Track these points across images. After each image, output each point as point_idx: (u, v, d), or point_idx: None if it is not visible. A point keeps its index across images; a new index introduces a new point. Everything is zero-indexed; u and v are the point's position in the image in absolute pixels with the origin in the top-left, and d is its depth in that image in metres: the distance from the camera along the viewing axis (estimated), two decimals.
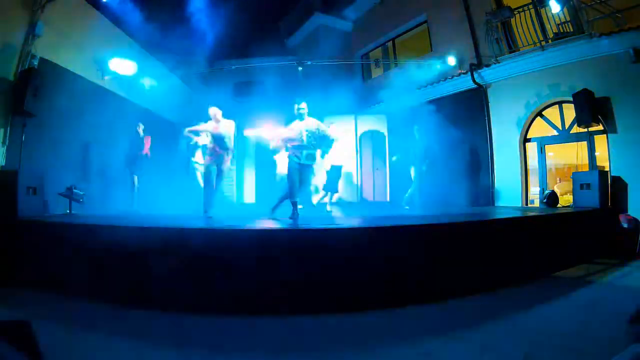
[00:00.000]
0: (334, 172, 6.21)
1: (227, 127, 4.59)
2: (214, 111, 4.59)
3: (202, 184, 6.14)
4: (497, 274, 3.24)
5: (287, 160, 4.16)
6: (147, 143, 6.61)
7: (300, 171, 4.09)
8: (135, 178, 6.45)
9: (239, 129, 9.53)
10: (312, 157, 4.14)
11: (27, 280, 3.24)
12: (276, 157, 7.24)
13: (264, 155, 8.51)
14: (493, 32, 6.77)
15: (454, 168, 7.27)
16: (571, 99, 5.60)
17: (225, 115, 4.69)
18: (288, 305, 2.61)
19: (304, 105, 4.15)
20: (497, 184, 6.96)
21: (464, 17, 7.44)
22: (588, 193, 5.10)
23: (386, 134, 9.02)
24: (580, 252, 4.25)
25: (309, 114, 4.18)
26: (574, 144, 6.17)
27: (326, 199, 6.31)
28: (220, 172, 4.54)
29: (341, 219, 4.45)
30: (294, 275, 2.67)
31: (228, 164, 4.58)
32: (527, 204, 6.63)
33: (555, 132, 6.43)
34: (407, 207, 6.15)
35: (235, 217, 4.71)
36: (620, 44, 5.22)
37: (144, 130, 6.59)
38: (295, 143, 4.06)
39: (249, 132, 9.47)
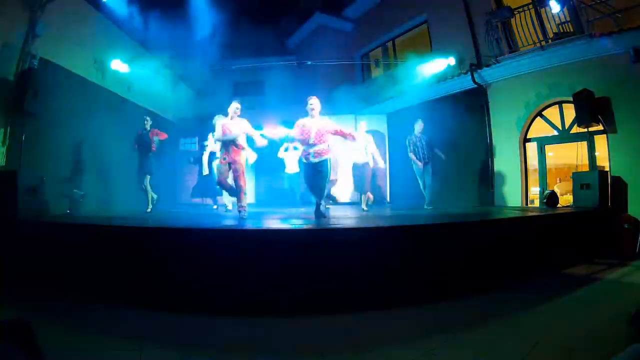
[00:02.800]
0: (358, 171, 5.92)
1: (241, 125, 4.44)
2: (236, 106, 4.41)
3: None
4: (497, 274, 3.24)
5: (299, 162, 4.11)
6: (156, 135, 6.18)
7: (314, 170, 4.05)
8: (147, 178, 6.07)
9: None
10: (321, 154, 4.07)
11: (27, 280, 3.24)
12: (283, 156, 7.25)
13: (264, 155, 8.54)
14: (493, 32, 6.76)
15: (454, 168, 7.27)
16: (571, 99, 5.59)
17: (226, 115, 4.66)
18: (289, 305, 2.62)
19: (314, 100, 4.09)
20: (497, 183, 6.95)
21: (464, 17, 7.43)
22: (588, 193, 5.10)
23: (386, 134, 9.03)
24: (580, 252, 4.25)
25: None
26: (574, 144, 6.16)
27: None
28: (235, 170, 4.35)
29: (344, 220, 4.46)
30: (296, 275, 2.67)
31: (241, 160, 4.37)
32: (527, 204, 6.63)
33: (555, 132, 6.42)
34: (431, 208, 5.96)
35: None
36: (620, 44, 5.21)
37: (150, 125, 6.19)
38: (304, 142, 4.02)
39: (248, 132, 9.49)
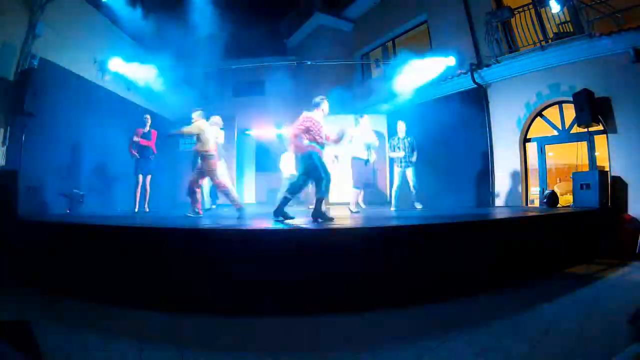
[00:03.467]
0: (357, 165, 5.81)
1: (213, 132, 4.68)
2: (194, 115, 4.69)
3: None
4: (497, 274, 3.24)
5: (311, 155, 3.80)
6: (153, 138, 6.13)
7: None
8: (148, 178, 6.04)
9: (240, 129, 9.56)
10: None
11: (27, 280, 3.24)
12: (284, 156, 7.24)
13: (264, 156, 8.55)
14: (493, 32, 6.76)
15: (454, 168, 7.26)
16: (571, 99, 5.59)
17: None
18: (288, 305, 2.62)
19: (326, 104, 3.98)
20: (497, 183, 6.95)
21: (464, 17, 7.43)
22: (588, 193, 5.10)
23: (386, 134, 9.02)
24: (579, 252, 4.25)
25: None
26: (574, 144, 6.16)
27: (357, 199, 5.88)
28: (204, 174, 4.60)
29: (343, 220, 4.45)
30: (294, 275, 2.67)
31: (214, 166, 4.54)
32: (527, 204, 6.63)
33: (555, 132, 6.42)
34: (422, 207, 5.93)
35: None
36: (620, 44, 5.21)
37: (150, 125, 6.13)
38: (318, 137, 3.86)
39: (248, 132, 9.49)
